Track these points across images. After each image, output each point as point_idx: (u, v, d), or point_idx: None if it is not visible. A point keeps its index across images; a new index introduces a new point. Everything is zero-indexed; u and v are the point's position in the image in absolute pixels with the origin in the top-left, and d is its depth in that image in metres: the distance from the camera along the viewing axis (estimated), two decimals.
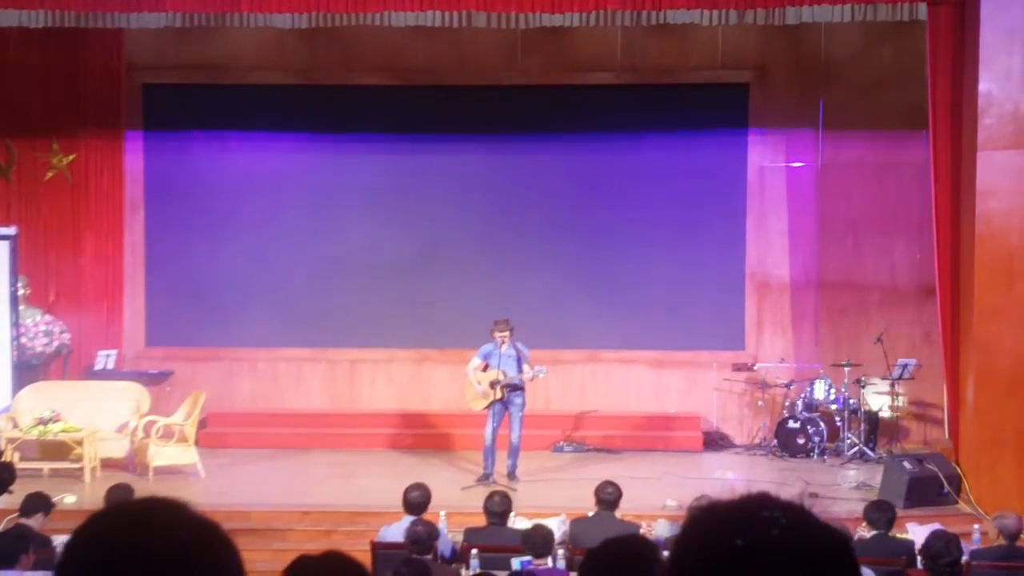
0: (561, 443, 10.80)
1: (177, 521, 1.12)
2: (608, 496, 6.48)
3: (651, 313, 11.35)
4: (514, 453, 9.26)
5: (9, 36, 10.70)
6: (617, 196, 11.47)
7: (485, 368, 9.27)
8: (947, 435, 9.46)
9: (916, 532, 6.56)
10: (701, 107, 11.44)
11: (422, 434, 10.96)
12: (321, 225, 11.54)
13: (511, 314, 9.50)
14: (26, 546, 5.47)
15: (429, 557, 5.52)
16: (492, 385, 9.16)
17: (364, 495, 8.76)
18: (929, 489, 8.45)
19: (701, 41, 11.16)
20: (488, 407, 9.22)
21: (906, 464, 8.56)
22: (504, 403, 9.21)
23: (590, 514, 6.61)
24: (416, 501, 6.38)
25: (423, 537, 5.61)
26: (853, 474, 9.49)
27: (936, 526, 6.47)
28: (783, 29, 10.31)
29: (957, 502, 8.55)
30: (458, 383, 10.29)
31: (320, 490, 9.10)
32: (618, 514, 6.56)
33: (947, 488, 8.48)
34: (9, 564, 5.17)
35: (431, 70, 11.42)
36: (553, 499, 8.43)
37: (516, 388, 9.22)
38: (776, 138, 11.42)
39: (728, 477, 9.51)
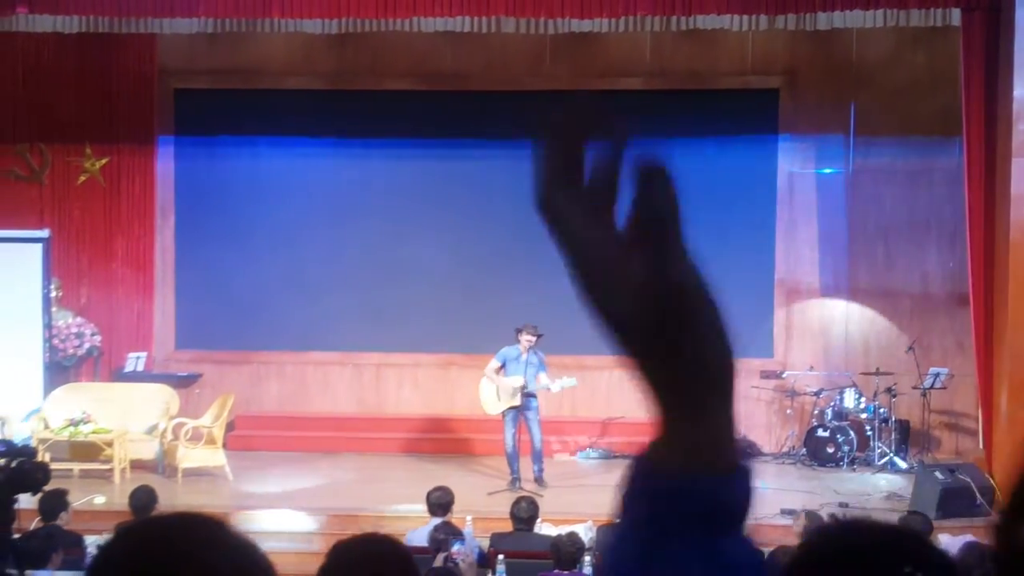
0: (587, 449, 10.77)
1: (215, 541, 1.09)
2: None
3: None
4: (538, 458, 9.24)
5: (44, 41, 10.83)
6: None
7: (499, 370, 9.25)
8: (980, 445, 9.34)
9: (949, 544, 6.46)
10: (730, 113, 11.38)
11: (448, 439, 10.96)
12: (349, 230, 11.57)
13: (536, 319, 9.48)
14: (56, 545, 5.52)
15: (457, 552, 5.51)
16: (512, 391, 9.16)
17: (390, 499, 8.77)
18: (962, 500, 8.33)
19: (731, 46, 11.10)
20: (504, 412, 9.19)
21: (938, 474, 8.45)
22: (518, 409, 9.19)
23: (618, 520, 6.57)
24: (438, 501, 6.38)
25: (447, 541, 5.60)
26: (884, 484, 9.39)
27: (969, 538, 6.38)
28: (813, 34, 10.23)
29: (991, 513, 8.42)
30: None
31: (347, 493, 9.11)
32: None
33: (980, 499, 8.36)
34: (41, 564, 5.22)
35: (459, 75, 11.44)
36: (579, 505, 8.39)
37: (530, 394, 9.20)
38: (806, 144, 11.33)
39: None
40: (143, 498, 6.52)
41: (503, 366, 9.22)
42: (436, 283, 11.42)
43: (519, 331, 9.22)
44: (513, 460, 9.13)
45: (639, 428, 11.10)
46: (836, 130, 11.20)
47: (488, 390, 9.30)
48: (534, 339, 9.13)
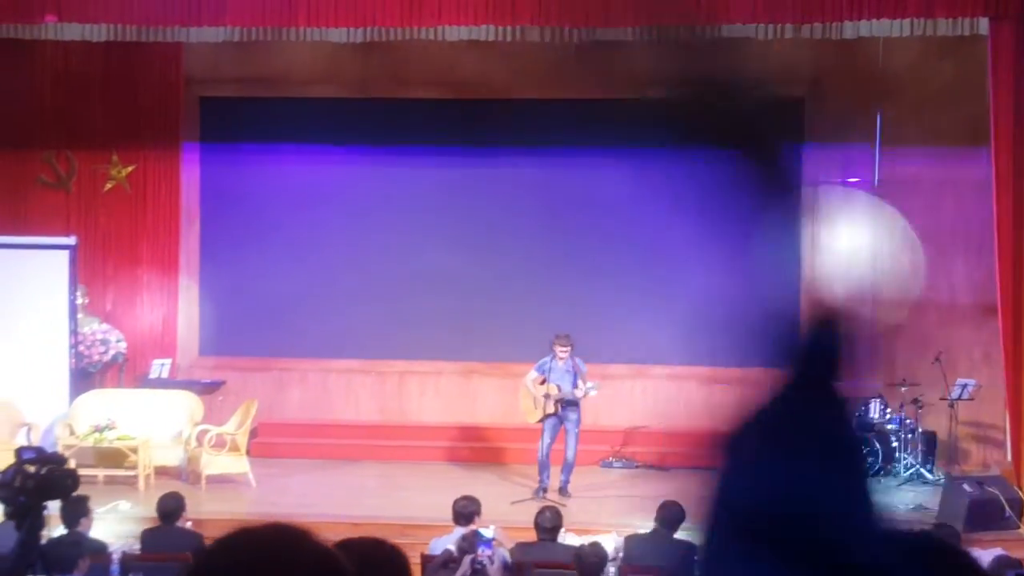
0: (610, 459, 10.72)
1: (305, 550, 1.11)
2: (671, 515, 6.40)
3: (701, 329, 11.21)
4: (568, 469, 9.22)
5: (71, 49, 10.92)
6: (669, 210, 11.35)
7: (543, 382, 9.27)
8: (1008, 457, 9.24)
9: (977, 557, 6.39)
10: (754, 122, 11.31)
11: (470, 447, 10.95)
12: (372, 237, 11.60)
13: (560, 328, 9.47)
14: (82, 552, 5.54)
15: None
16: (545, 398, 9.15)
17: (413, 507, 8.76)
18: (990, 513, 8.24)
19: (755, 55, 11.04)
20: (542, 420, 9.19)
21: (966, 487, 8.36)
22: (559, 418, 9.19)
23: (644, 532, 6.54)
24: (464, 511, 6.38)
25: (473, 544, 5.59)
26: (911, 496, 9.29)
27: (998, 551, 6.30)
28: (839, 43, 10.17)
29: (1019, 526, 8.33)
30: (506, 396, 10.27)
31: (370, 501, 9.12)
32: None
33: (1009, 512, 8.27)
34: (67, 570, 5.24)
35: (483, 83, 11.45)
36: (603, 516, 8.36)
37: (571, 403, 9.19)
38: (831, 154, 11.25)
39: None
40: (171, 504, 6.55)
41: (544, 376, 9.23)
42: (458, 291, 11.42)
43: (552, 342, 9.24)
44: (543, 469, 9.14)
45: (661, 438, 11.04)
46: (862, 140, 11.12)
47: (526, 399, 9.33)
48: (567, 348, 9.14)
